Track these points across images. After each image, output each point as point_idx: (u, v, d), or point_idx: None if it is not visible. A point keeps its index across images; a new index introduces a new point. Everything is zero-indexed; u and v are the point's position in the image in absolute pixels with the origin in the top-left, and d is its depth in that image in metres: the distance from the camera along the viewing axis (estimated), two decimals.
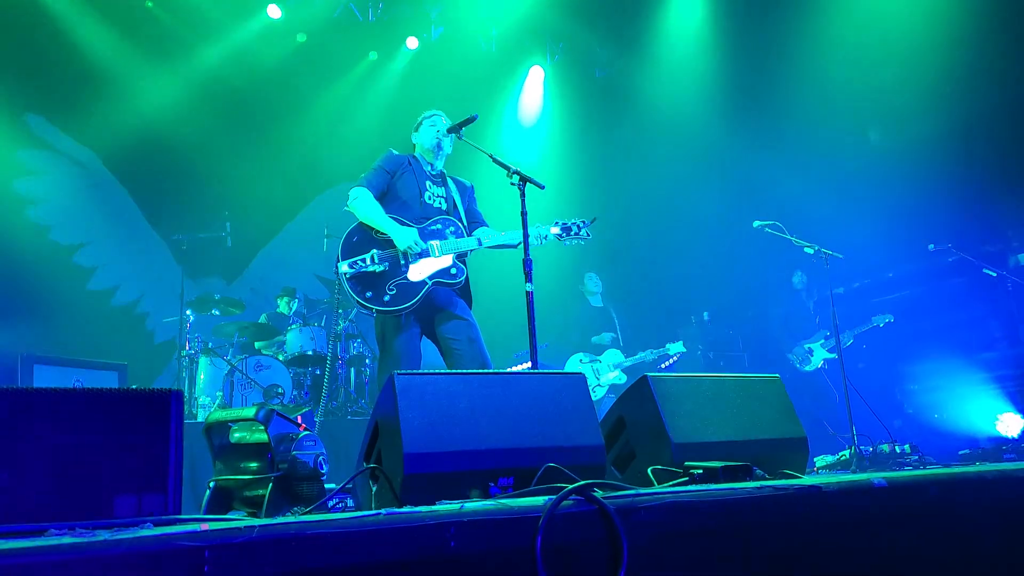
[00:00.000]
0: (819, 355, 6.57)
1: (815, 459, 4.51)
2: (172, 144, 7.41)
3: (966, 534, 2.05)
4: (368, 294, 3.34)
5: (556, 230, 3.58)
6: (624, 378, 6.28)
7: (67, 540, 1.16)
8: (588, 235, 3.64)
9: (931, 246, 5.94)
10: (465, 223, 3.69)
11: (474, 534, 1.40)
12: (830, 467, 4.35)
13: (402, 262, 3.41)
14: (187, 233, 6.50)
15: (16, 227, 6.82)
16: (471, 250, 3.59)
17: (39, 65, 6.93)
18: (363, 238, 3.46)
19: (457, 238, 3.55)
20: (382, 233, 3.45)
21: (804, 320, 6.83)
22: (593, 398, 6.11)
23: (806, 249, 4.94)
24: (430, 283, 3.42)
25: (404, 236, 3.41)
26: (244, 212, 7.33)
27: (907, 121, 7.03)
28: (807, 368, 6.58)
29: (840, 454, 4.39)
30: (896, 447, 4.33)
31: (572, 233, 3.59)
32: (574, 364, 6.38)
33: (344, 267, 3.36)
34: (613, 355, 6.41)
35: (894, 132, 7.24)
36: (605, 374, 6.31)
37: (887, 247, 7.07)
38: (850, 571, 1.88)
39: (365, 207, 3.48)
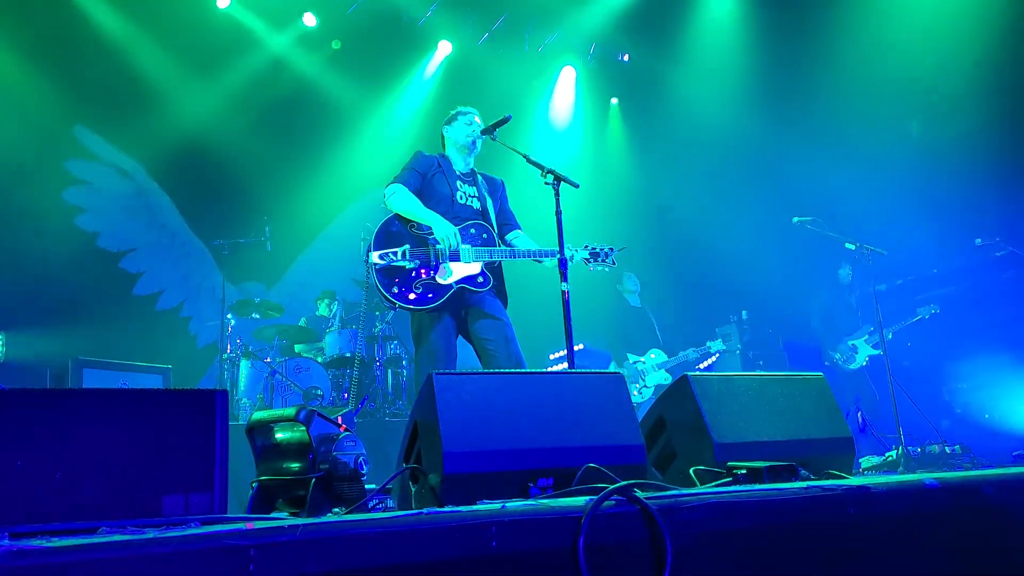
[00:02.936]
0: (863, 352, 6.41)
1: (860, 460, 4.40)
2: (213, 152, 7.58)
3: None
4: (395, 289, 3.35)
5: (583, 253, 3.62)
6: (669, 378, 6.24)
7: (118, 538, 1.19)
8: (614, 263, 3.68)
9: (978, 240, 5.76)
10: (495, 224, 3.69)
11: (516, 534, 1.39)
12: (877, 468, 4.24)
13: (432, 262, 3.42)
14: (228, 239, 6.62)
15: (66, 235, 7.05)
16: (502, 259, 3.58)
17: (86, 79, 7.15)
18: (399, 231, 3.47)
19: (489, 245, 3.55)
20: (418, 229, 3.47)
21: (847, 317, 6.67)
22: (639, 400, 6.08)
23: (847, 245, 4.83)
24: (456, 287, 3.42)
25: (445, 227, 3.42)
26: (283, 217, 7.46)
27: (950, 112, 6.82)
28: (851, 366, 6.42)
29: (887, 455, 4.28)
30: (946, 447, 4.20)
31: (599, 259, 3.64)
32: (615, 367, 6.34)
33: (375, 257, 3.37)
34: (656, 355, 6.36)
35: (936, 124, 7.04)
36: (650, 375, 6.26)
37: (931, 242, 6.87)
38: (901, 574, 1.82)
39: (404, 200, 3.49)
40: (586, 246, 3.64)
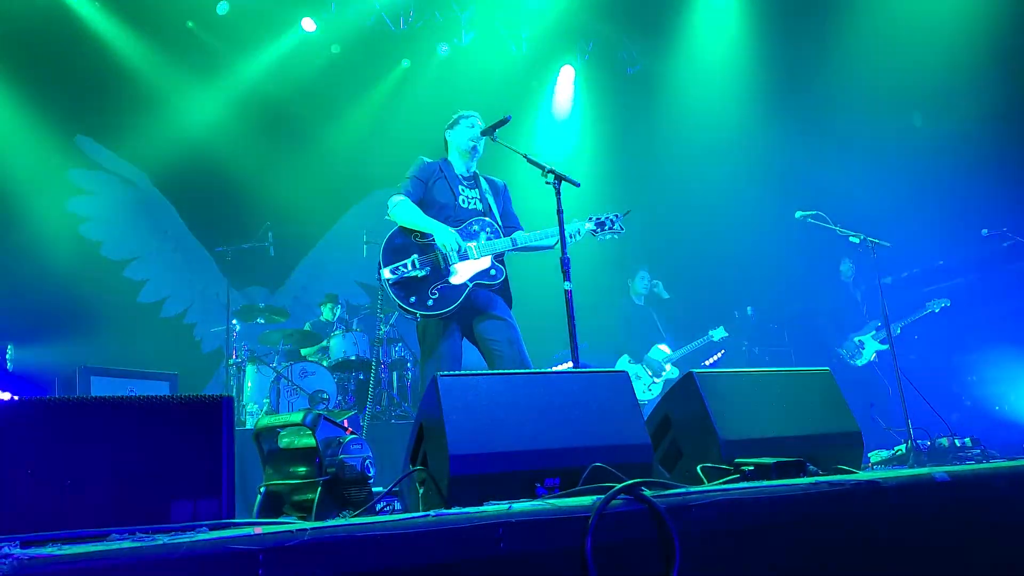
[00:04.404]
0: (871, 347, 6.37)
1: (869, 455, 4.38)
2: (214, 158, 7.60)
3: None
4: (412, 299, 3.39)
5: (590, 225, 3.58)
6: (676, 372, 6.26)
7: (128, 544, 1.19)
8: (622, 228, 3.63)
9: (984, 231, 5.72)
10: (500, 223, 3.70)
11: (523, 535, 1.39)
12: (885, 463, 4.22)
13: (442, 266, 3.44)
14: (231, 244, 6.64)
15: (70, 245, 7.08)
16: (507, 251, 3.59)
17: (88, 89, 7.18)
18: (404, 243, 3.51)
19: (494, 239, 3.57)
20: (421, 237, 3.49)
21: (852, 312, 6.63)
22: (649, 397, 6.08)
23: (851, 239, 4.81)
24: (471, 285, 3.45)
25: (446, 235, 3.45)
26: (285, 222, 7.47)
27: (953, 103, 6.78)
28: (859, 362, 6.38)
29: (896, 449, 4.26)
30: (956, 441, 4.17)
31: (606, 228, 3.59)
32: (623, 364, 6.35)
33: (387, 273, 3.41)
34: (659, 352, 6.36)
35: (940, 115, 7.00)
36: (659, 372, 6.26)
37: (937, 234, 6.83)
38: (911, 569, 1.81)
39: (405, 212, 3.53)
40: (591, 218, 3.60)
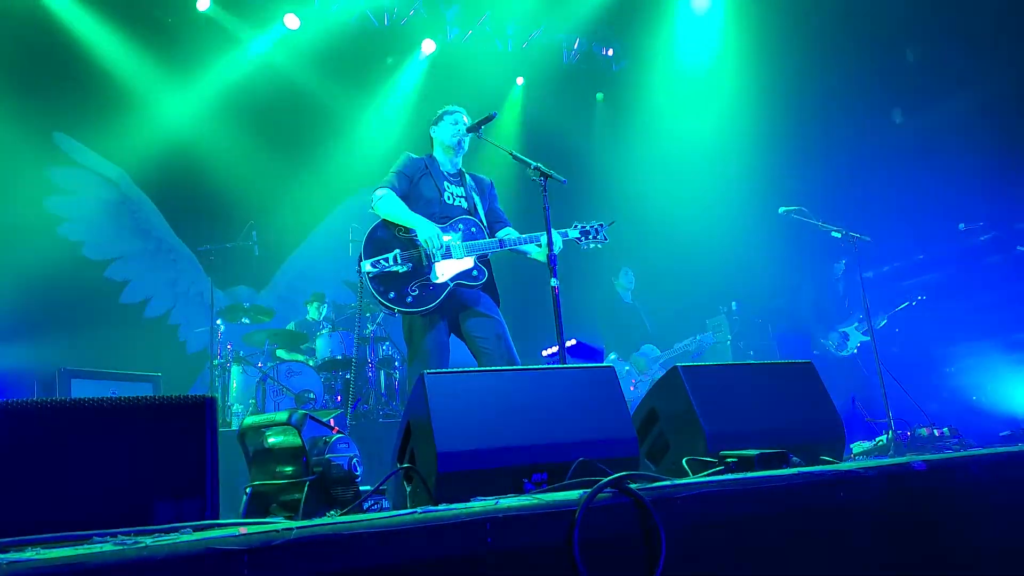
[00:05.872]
0: (855, 339, 6.45)
1: (851, 446, 4.44)
2: (197, 157, 7.52)
3: (1012, 515, 2.00)
4: (391, 294, 3.36)
5: (575, 233, 3.60)
6: (662, 372, 6.28)
7: (110, 547, 1.18)
8: (606, 238, 3.67)
9: (962, 225, 5.80)
10: (485, 222, 3.69)
11: (511, 530, 1.39)
12: (867, 453, 4.28)
13: (424, 263, 3.42)
14: (215, 244, 6.58)
15: (48, 245, 6.97)
16: (492, 251, 3.59)
17: (65, 85, 7.07)
18: (386, 237, 3.48)
19: (478, 239, 3.55)
20: (405, 232, 3.47)
21: (835, 305, 6.71)
22: (634, 395, 6.10)
23: (833, 233, 4.86)
24: (452, 284, 3.43)
25: (426, 228, 3.42)
26: (270, 221, 7.42)
27: (931, 99, 6.88)
28: (843, 353, 6.46)
29: (877, 440, 4.32)
30: (934, 430, 4.24)
31: (591, 236, 3.63)
32: (609, 362, 6.37)
33: (367, 266, 3.38)
34: (649, 350, 6.39)
35: (918, 111, 7.09)
36: (644, 370, 6.29)
37: (916, 228, 6.93)
38: (892, 554, 1.84)
39: (388, 205, 3.50)
40: (575, 225, 3.63)
